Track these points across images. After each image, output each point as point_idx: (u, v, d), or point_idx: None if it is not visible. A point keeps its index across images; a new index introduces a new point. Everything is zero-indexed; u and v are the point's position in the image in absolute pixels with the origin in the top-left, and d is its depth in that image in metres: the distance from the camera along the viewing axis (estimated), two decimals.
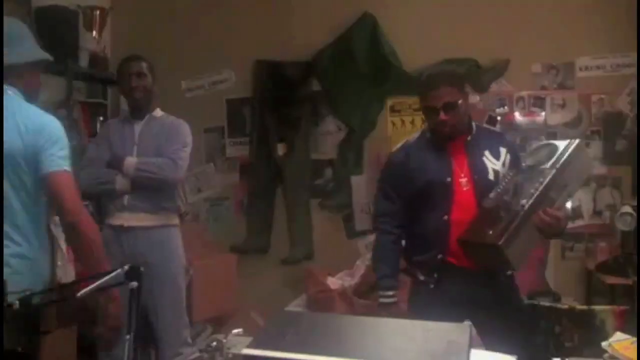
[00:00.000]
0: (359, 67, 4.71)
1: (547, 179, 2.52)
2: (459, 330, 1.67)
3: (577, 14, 4.46)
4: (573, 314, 3.52)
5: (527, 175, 2.59)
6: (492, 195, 2.56)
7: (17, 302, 1.85)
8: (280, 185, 4.90)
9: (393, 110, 4.78)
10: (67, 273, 3.77)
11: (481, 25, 4.53)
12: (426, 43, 4.58)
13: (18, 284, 2.11)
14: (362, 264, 4.56)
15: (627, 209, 4.07)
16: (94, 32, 4.61)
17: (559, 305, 3.56)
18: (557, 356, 2.05)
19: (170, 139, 3.40)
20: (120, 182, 3.30)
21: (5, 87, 2.37)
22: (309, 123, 4.84)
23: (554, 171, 2.54)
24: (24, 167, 2.28)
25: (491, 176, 2.63)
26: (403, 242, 2.84)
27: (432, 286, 2.70)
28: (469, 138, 2.68)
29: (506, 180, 2.59)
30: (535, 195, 2.50)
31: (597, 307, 3.56)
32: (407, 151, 2.78)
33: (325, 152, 4.83)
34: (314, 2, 4.85)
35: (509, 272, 2.70)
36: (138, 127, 3.42)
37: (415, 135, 2.86)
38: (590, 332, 3.41)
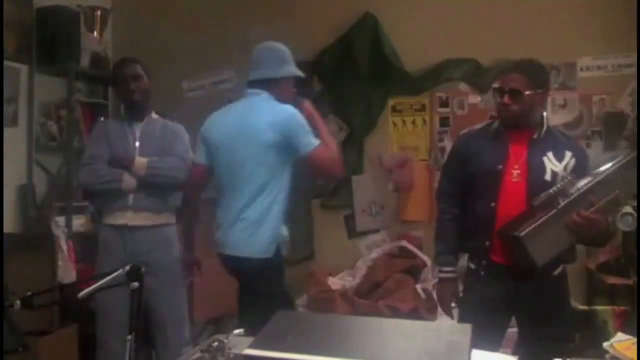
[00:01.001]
0: (360, 67, 4.71)
1: (591, 183, 2.51)
2: (460, 331, 1.67)
3: (578, 14, 4.46)
4: (574, 314, 3.52)
5: (581, 179, 2.57)
6: (543, 194, 2.53)
7: (19, 302, 1.85)
8: None
9: (394, 110, 4.78)
10: (68, 273, 3.78)
11: (482, 25, 4.53)
12: (427, 43, 4.58)
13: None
14: (363, 264, 4.57)
15: (628, 209, 4.05)
16: (95, 33, 4.61)
17: None
18: (558, 356, 2.05)
19: (175, 139, 3.41)
20: (127, 181, 3.29)
21: (259, 91, 3.07)
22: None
23: (600, 176, 2.53)
24: (273, 149, 2.93)
25: (548, 176, 2.61)
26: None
27: (482, 273, 2.70)
28: (535, 135, 2.68)
29: (563, 182, 2.55)
30: (574, 196, 2.48)
31: (598, 308, 3.57)
32: (470, 136, 2.83)
33: None
34: (315, 2, 4.85)
35: (556, 273, 2.67)
36: (138, 128, 3.40)
37: (482, 123, 2.88)
38: (591, 332, 3.42)
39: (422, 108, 4.74)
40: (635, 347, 2.08)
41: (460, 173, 2.78)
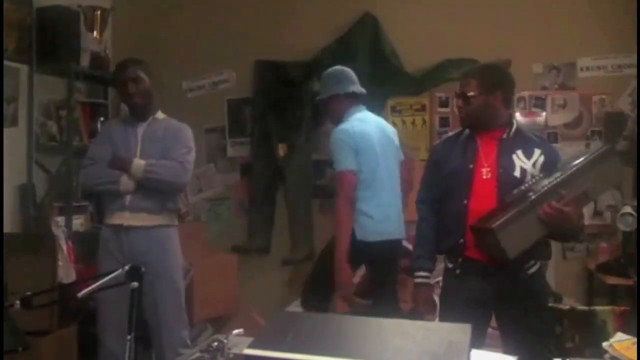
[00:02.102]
0: (360, 67, 4.68)
1: (563, 176, 2.54)
2: (460, 331, 1.67)
3: (578, 15, 4.47)
4: (574, 314, 3.51)
5: (551, 175, 2.61)
6: (515, 191, 2.60)
7: (18, 302, 1.85)
8: (281, 186, 4.91)
9: (394, 110, 4.79)
10: (67, 273, 3.78)
11: (482, 25, 4.53)
12: (427, 43, 4.59)
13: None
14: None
15: (628, 209, 4.07)
16: (95, 33, 4.61)
17: (559, 306, 3.56)
18: (558, 356, 2.05)
19: (176, 142, 3.40)
20: (125, 183, 3.29)
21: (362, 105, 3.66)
22: (310, 123, 4.84)
23: (570, 170, 2.57)
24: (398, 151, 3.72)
25: (517, 173, 2.67)
26: None
27: (458, 272, 2.75)
28: (504, 136, 2.75)
29: (534, 179, 2.62)
30: (545, 189, 2.52)
31: (598, 308, 3.55)
32: (444, 143, 2.96)
33: (326, 153, 4.80)
34: (315, 2, 4.86)
35: (531, 271, 2.71)
36: (141, 129, 3.40)
37: (456, 130, 2.98)
38: (591, 332, 3.41)
39: (422, 108, 4.75)
40: (635, 347, 2.08)
41: (436, 179, 2.87)
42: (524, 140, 2.76)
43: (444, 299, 2.87)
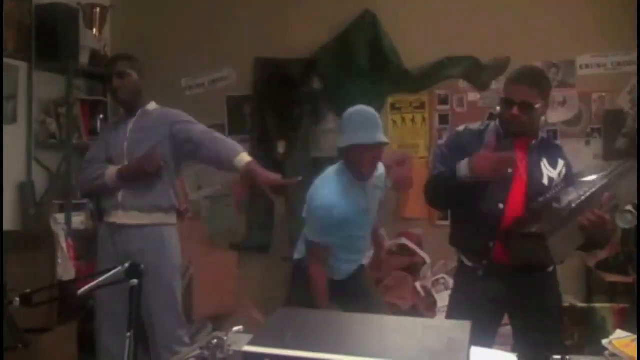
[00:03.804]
0: (359, 64, 4.71)
1: (598, 185, 2.59)
2: (460, 328, 1.67)
3: (577, 12, 4.46)
4: (574, 311, 3.53)
5: (577, 185, 2.66)
6: (541, 199, 2.61)
7: (18, 299, 1.85)
8: None
9: (393, 108, 4.79)
10: (67, 271, 3.78)
11: (482, 23, 4.53)
12: (427, 41, 4.58)
13: None
14: None
15: (628, 207, 4.07)
16: (94, 30, 4.62)
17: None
18: (557, 354, 2.05)
19: (182, 122, 3.37)
20: (109, 176, 3.30)
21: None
22: (310, 121, 4.84)
23: (605, 180, 2.62)
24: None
25: (545, 181, 2.67)
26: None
27: (480, 273, 2.71)
28: (533, 142, 2.72)
29: (557, 188, 2.65)
30: (584, 196, 2.54)
31: (597, 305, 3.57)
32: (470, 133, 2.81)
33: (325, 150, 4.82)
34: (314, 0, 4.85)
35: (550, 269, 2.72)
36: (130, 123, 3.40)
37: (477, 124, 2.87)
38: (590, 329, 3.42)
39: (422, 106, 4.75)
40: (634, 344, 2.08)
41: (455, 160, 2.72)
42: (549, 149, 2.76)
43: (456, 296, 2.85)
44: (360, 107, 3.15)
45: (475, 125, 2.86)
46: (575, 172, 2.81)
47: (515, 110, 2.61)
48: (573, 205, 2.53)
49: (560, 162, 2.74)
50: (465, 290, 2.79)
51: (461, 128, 2.90)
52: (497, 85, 4.51)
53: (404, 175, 4.65)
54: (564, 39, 4.49)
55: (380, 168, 3.23)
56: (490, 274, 2.68)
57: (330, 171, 3.18)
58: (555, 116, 4.55)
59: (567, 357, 2.04)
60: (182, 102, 4.74)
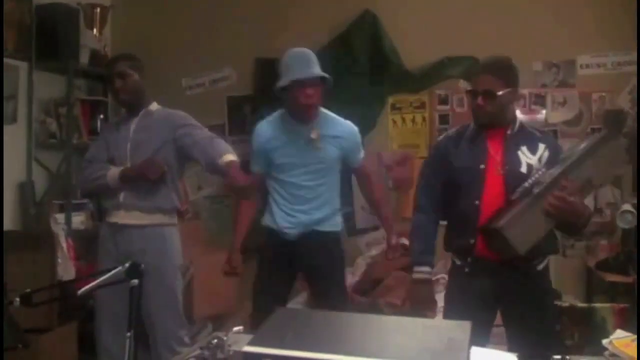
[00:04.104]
0: (359, 65, 4.71)
1: (564, 166, 2.54)
2: (460, 328, 1.67)
3: (577, 12, 4.46)
4: (574, 311, 3.52)
5: (553, 168, 2.61)
6: (520, 187, 2.59)
7: (18, 299, 1.85)
8: None
9: (394, 108, 4.79)
10: (67, 270, 3.78)
11: (482, 23, 4.53)
12: (427, 41, 4.59)
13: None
14: (362, 262, 4.57)
15: (628, 206, 4.06)
16: (95, 30, 4.62)
17: (559, 303, 3.56)
18: (557, 354, 2.05)
19: (186, 126, 3.36)
20: (111, 177, 3.29)
21: None
22: None
23: (571, 159, 2.56)
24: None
25: (524, 169, 2.66)
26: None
27: (467, 270, 2.73)
28: (509, 132, 2.73)
29: (538, 174, 2.61)
30: (549, 181, 2.51)
31: (597, 305, 3.56)
32: (448, 139, 2.88)
33: None
34: (315, 0, 4.85)
35: (540, 267, 2.71)
36: (133, 123, 3.39)
37: (456, 127, 2.95)
38: (590, 329, 3.41)
39: (422, 105, 4.75)
40: (634, 344, 2.08)
41: (441, 177, 2.82)
42: (528, 136, 2.75)
43: (451, 296, 2.85)
44: (296, 49, 3.40)
45: (453, 130, 2.94)
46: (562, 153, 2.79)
47: (479, 100, 2.66)
48: (535, 191, 2.50)
49: (541, 146, 2.71)
50: (456, 288, 2.82)
51: (440, 138, 3.00)
52: None
53: (404, 175, 4.66)
54: (564, 39, 4.49)
55: (344, 128, 3.42)
56: (476, 271, 2.70)
57: (275, 113, 3.45)
58: (555, 116, 4.56)
59: (567, 357, 2.04)
60: (183, 102, 4.74)
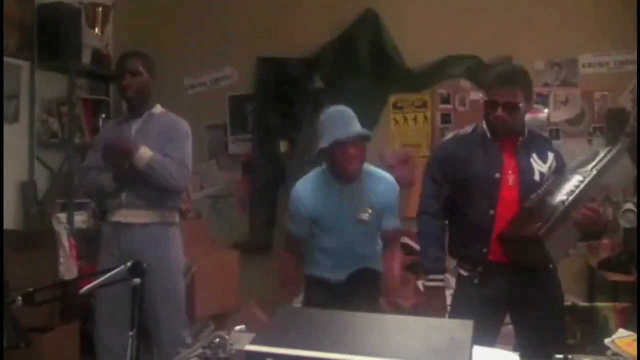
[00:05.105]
0: (361, 64, 4.70)
1: (588, 179, 2.56)
2: (462, 327, 1.67)
3: (580, 11, 4.45)
4: (576, 310, 3.52)
5: (568, 178, 2.64)
6: (533, 196, 2.61)
7: (20, 298, 1.85)
8: (282, 182, 4.90)
9: (395, 107, 4.78)
10: (69, 270, 3.78)
11: (484, 21, 4.52)
12: (429, 40, 4.58)
13: None
14: None
15: (630, 206, 4.05)
16: (97, 29, 4.62)
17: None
18: (559, 353, 2.05)
19: (174, 140, 3.33)
20: (107, 184, 3.28)
21: None
22: (312, 120, 4.83)
23: (594, 172, 2.59)
24: None
25: (537, 177, 2.67)
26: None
27: (476, 281, 2.72)
28: (520, 139, 2.72)
29: (549, 182, 2.64)
30: (576, 192, 2.53)
31: (599, 304, 3.56)
32: (459, 141, 2.82)
33: None
34: None
35: (550, 266, 2.72)
36: (136, 124, 3.37)
37: (467, 128, 2.88)
38: (592, 329, 3.41)
39: (424, 105, 4.74)
40: (636, 343, 2.08)
41: (448, 177, 2.79)
42: (538, 143, 2.76)
43: (457, 304, 2.83)
44: (335, 107, 3.23)
45: (460, 133, 2.87)
46: (566, 162, 2.81)
47: (499, 112, 2.62)
48: (566, 203, 2.51)
49: (550, 155, 2.73)
50: (464, 297, 2.79)
51: (450, 135, 2.93)
52: None
53: (406, 174, 4.65)
54: (566, 38, 4.48)
55: (383, 186, 3.25)
56: (487, 278, 2.69)
57: (312, 172, 3.28)
58: (557, 115, 4.55)
59: (570, 356, 2.03)
60: (184, 101, 4.77)
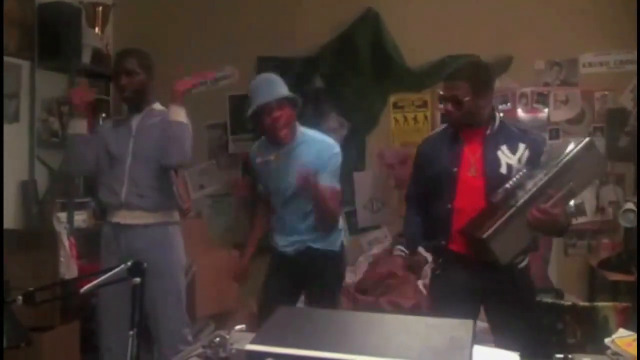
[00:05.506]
0: (361, 63, 4.70)
1: (548, 176, 2.52)
2: (462, 327, 1.67)
3: (580, 11, 4.45)
4: (576, 310, 3.52)
5: (534, 174, 2.59)
6: (500, 190, 2.59)
7: (20, 297, 1.85)
8: None
9: (396, 106, 4.78)
10: (69, 269, 3.78)
11: (484, 21, 4.52)
12: (429, 39, 4.58)
13: None
14: (364, 260, 4.57)
15: (630, 205, 4.06)
16: (97, 29, 4.62)
17: (561, 302, 3.56)
18: (560, 353, 2.05)
19: (174, 128, 3.32)
20: (74, 125, 3.37)
21: None
22: (312, 120, 4.83)
23: (555, 169, 2.54)
24: None
25: (503, 170, 2.65)
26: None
27: (437, 272, 2.82)
28: (488, 131, 2.72)
29: (519, 175, 2.60)
30: (532, 191, 2.51)
31: (600, 304, 3.56)
32: (429, 141, 2.93)
33: None
34: None
35: (520, 266, 2.73)
36: (135, 121, 3.39)
37: (437, 129, 3.00)
38: (593, 328, 3.41)
39: (424, 104, 4.74)
40: (636, 343, 2.08)
41: (422, 177, 2.88)
42: (508, 135, 2.73)
43: (432, 293, 2.95)
44: (259, 75, 3.33)
45: (434, 132, 3.00)
46: (544, 151, 2.76)
47: (447, 106, 2.70)
48: (518, 203, 2.50)
49: (521, 146, 2.69)
50: (433, 287, 2.93)
51: (426, 136, 3.06)
52: (500, 83, 4.51)
53: (406, 174, 4.64)
54: (567, 38, 4.48)
55: (318, 146, 3.18)
56: (450, 270, 2.76)
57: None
58: (557, 115, 4.55)
59: (570, 355, 2.04)
60: (184, 100, 4.75)
